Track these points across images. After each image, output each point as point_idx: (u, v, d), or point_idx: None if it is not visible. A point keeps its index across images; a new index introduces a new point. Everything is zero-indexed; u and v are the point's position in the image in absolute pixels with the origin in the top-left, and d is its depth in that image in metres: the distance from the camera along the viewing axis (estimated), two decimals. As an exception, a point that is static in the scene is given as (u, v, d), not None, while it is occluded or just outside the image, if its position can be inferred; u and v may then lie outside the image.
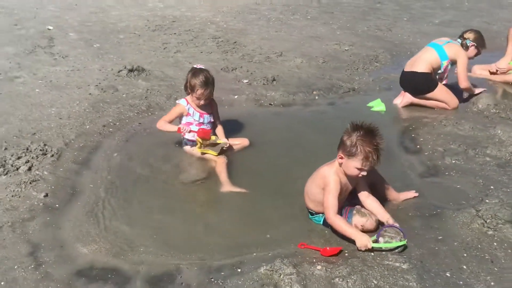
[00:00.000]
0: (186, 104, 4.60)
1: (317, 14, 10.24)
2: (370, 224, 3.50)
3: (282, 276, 3.02)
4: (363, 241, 3.27)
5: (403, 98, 5.90)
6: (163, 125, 4.58)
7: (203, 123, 4.67)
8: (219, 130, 4.79)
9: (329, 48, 7.98)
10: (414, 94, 5.81)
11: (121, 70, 6.41)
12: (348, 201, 3.68)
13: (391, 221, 3.44)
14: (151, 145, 4.76)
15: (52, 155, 4.39)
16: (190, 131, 4.56)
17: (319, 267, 3.10)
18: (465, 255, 3.27)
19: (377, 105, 5.85)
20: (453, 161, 4.48)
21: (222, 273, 3.09)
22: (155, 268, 3.14)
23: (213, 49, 7.65)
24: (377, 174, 3.81)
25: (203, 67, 4.62)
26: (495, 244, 3.37)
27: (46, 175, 4.09)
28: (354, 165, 3.36)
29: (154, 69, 6.51)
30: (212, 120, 4.75)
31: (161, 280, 3.04)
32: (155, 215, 3.74)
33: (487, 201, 3.79)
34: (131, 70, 6.39)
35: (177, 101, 4.70)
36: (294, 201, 3.81)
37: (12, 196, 3.76)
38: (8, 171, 4.09)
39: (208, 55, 7.32)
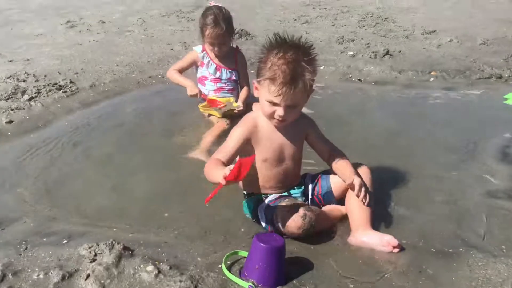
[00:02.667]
0: (201, 52, 3.69)
1: (533, -1, 7.74)
2: (291, 219, 2.12)
3: (92, 264, 1.97)
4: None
5: None
6: (172, 74, 3.75)
7: (220, 79, 3.68)
8: (243, 92, 3.73)
9: (509, 31, 5.80)
10: None
11: (223, 33, 5.82)
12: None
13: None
14: (174, 100, 4.03)
15: (65, 92, 4.09)
16: (200, 95, 3.65)
17: (150, 268, 1.93)
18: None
19: (517, 98, 3.84)
20: None
21: (44, 239, 2.21)
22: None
23: (351, 22, 6.38)
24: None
25: (220, 5, 3.63)
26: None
27: (36, 106, 3.80)
28: (264, 95, 2.13)
29: (259, 35, 5.71)
30: (234, 78, 3.72)
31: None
32: (89, 169, 2.98)
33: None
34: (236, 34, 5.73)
35: (193, 47, 3.83)
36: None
37: (-17, 117, 3.57)
38: (12, 97, 3.93)
39: (337, 28, 6.12)
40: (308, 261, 2.04)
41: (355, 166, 2.34)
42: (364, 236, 2.19)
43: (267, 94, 2.08)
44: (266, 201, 2.30)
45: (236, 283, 1.87)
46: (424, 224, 2.30)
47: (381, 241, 2.14)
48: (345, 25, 6.24)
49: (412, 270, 1.97)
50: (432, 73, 4.47)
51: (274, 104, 2.10)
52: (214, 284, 1.86)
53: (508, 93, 3.93)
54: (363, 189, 2.16)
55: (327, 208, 2.38)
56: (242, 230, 2.31)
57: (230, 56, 3.71)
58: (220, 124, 3.48)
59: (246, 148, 2.26)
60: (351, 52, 5.08)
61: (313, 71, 2.07)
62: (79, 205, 2.55)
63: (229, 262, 2.00)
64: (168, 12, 7.25)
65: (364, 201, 2.17)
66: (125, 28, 6.33)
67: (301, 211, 2.12)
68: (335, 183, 2.38)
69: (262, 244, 1.86)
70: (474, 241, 2.16)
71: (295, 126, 2.28)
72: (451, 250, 2.09)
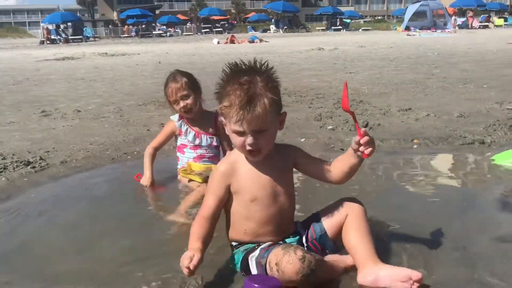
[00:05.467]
0: (178, 120, 3.55)
1: (497, 84, 8.05)
2: (287, 262, 1.83)
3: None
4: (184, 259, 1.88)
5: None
6: (145, 155, 3.56)
7: (200, 146, 3.52)
8: (226, 158, 3.56)
9: (482, 107, 5.92)
10: None
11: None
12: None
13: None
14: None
15: (34, 167, 3.85)
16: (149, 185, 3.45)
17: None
18: None
19: (506, 158, 3.75)
20: None
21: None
22: None
23: (327, 105, 6.45)
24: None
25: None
26: None
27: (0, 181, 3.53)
28: (229, 129, 2.01)
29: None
30: (215, 144, 3.56)
31: None
32: (54, 235, 2.67)
33: None
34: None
35: (170, 117, 3.68)
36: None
37: None
38: None
39: (314, 109, 6.15)
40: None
41: (348, 199, 2.16)
42: (378, 270, 1.91)
43: (231, 125, 1.96)
44: (258, 249, 2.03)
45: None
46: (436, 270, 2.04)
47: (401, 275, 1.87)
48: (321, 107, 6.29)
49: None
50: (415, 140, 4.41)
51: (241, 133, 1.95)
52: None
53: (495, 155, 3.86)
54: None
55: (329, 257, 2.12)
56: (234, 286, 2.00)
57: (209, 121, 3.57)
58: (201, 189, 3.24)
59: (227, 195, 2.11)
60: (330, 127, 5.05)
61: (272, 89, 1.95)
62: (39, 270, 2.23)
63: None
64: (145, 102, 7.25)
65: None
66: (101, 115, 6.25)
67: (299, 253, 1.86)
68: (328, 224, 2.16)
69: (256, 285, 1.58)
70: (495, 283, 1.90)
71: (280, 156, 2.12)
72: (474, 293, 1.83)
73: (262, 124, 1.93)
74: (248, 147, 1.97)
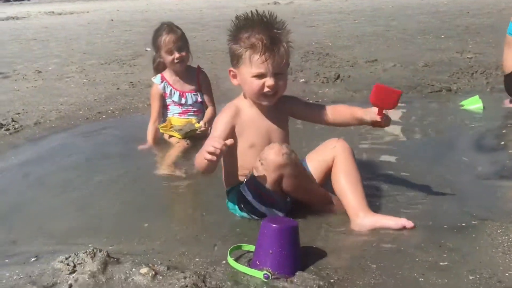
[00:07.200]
0: (161, 82, 3.46)
1: (455, 34, 8.30)
2: (268, 149, 1.98)
3: (73, 275, 1.66)
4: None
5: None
6: (147, 133, 3.43)
7: (185, 104, 3.49)
8: (208, 112, 3.54)
9: (444, 56, 6.13)
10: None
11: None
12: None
13: None
14: (129, 129, 3.80)
15: (8, 129, 3.73)
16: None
17: (144, 270, 1.65)
18: None
19: (473, 103, 3.94)
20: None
21: (6, 261, 1.87)
22: None
23: (294, 60, 6.47)
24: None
25: None
26: None
27: None
28: (247, 73, 2.04)
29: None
30: (200, 100, 3.54)
31: None
32: (47, 194, 2.64)
33: None
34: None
35: (152, 80, 3.53)
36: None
37: None
38: None
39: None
40: (318, 249, 1.84)
41: (333, 141, 2.17)
42: (367, 220, 1.99)
43: (251, 68, 2.01)
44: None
45: (248, 274, 1.63)
46: (427, 206, 2.18)
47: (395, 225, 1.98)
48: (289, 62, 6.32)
49: (432, 245, 1.82)
50: (386, 90, 4.56)
51: (261, 76, 2.01)
52: (223, 277, 1.62)
53: (463, 101, 4.05)
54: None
55: None
56: (238, 230, 2.07)
57: (192, 78, 3.53)
58: (181, 144, 3.27)
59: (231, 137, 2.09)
60: (303, 80, 5.11)
61: (286, 33, 2.06)
62: (43, 227, 2.21)
63: (233, 258, 1.75)
64: (108, 61, 7.04)
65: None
66: (65, 75, 6.05)
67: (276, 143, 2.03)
68: (314, 169, 2.19)
69: (274, 225, 1.65)
70: (483, 214, 2.06)
71: (279, 107, 2.19)
72: (463, 224, 1.98)
73: (282, 67, 2.02)
74: (266, 89, 2.01)
